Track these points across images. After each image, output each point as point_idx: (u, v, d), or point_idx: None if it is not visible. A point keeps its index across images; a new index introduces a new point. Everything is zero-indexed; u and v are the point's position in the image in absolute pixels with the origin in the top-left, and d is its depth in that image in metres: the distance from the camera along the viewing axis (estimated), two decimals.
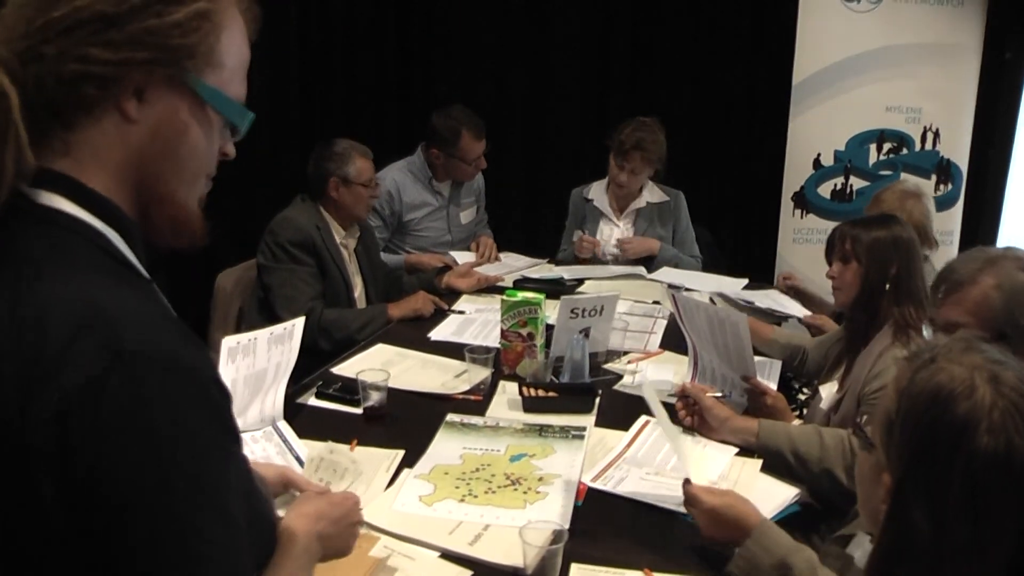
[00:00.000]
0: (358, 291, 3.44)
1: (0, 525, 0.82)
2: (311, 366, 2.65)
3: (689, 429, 2.31)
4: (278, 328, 2.41)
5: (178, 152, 0.99)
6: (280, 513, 1.40)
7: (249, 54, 1.06)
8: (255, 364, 2.29)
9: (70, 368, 0.80)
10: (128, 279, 0.93)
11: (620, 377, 2.73)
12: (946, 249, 4.15)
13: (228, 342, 2.27)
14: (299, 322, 2.44)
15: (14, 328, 0.83)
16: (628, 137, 3.92)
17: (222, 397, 0.90)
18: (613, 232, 4.17)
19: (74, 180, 0.93)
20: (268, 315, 3.11)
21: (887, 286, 2.32)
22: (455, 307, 3.42)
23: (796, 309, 3.50)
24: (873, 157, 4.75)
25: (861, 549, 1.67)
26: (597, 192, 4.20)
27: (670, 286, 3.63)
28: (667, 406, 2.35)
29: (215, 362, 0.90)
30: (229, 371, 2.21)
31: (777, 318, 3.44)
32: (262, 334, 2.35)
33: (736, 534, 1.70)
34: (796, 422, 2.42)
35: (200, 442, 0.85)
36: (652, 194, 4.15)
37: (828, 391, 2.51)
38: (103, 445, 0.80)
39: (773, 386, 2.64)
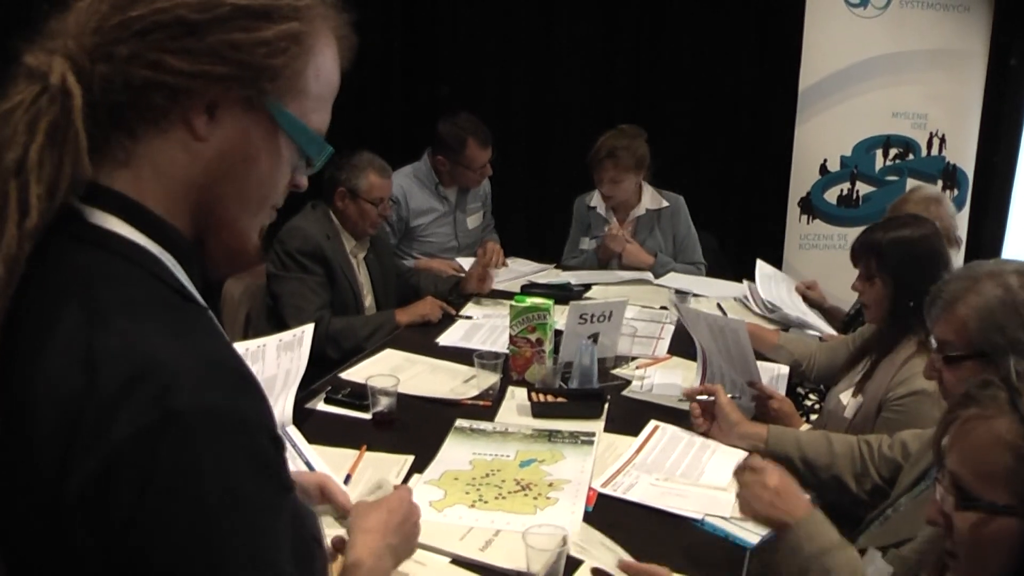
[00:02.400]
0: (368, 300, 3.44)
1: (35, 561, 0.78)
2: (320, 376, 2.66)
3: (700, 435, 2.32)
4: (287, 335, 2.41)
5: (245, 177, 0.92)
6: (327, 526, 1.41)
7: (338, 83, 0.99)
8: (264, 371, 2.29)
9: (120, 421, 0.74)
10: (183, 310, 0.86)
11: (629, 383, 2.74)
12: (957, 255, 4.14)
13: (237, 348, 2.27)
14: (308, 328, 2.45)
15: (60, 367, 0.77)
16: (601, 147, 3.92)
17: (275, 449, 0.84)
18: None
19: (132, 200, 0.86)
20: (276, 323, 3.11)
21: (912, 304, 2.30)
22: (463, 312, 3.42)
23: (818, 322, 3.46)
24: (879, 163, 4.75)
25: (873, 566, 1.67)
26: (599, 199, 4.19)
27: (677, 291, 3.63)
28: (678, 412, 2.37)
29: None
30: None
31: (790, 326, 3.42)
32: (271, 341, 2.36)
33: (781, 515, 1.71)
34: (804, 426, 2.42)
35: (251, 505, 0.80)
36: (652, 200, 4.13)
37: (841, 396, 2.51)
38: (150, 505, 0.74)
39: (781, 391, 2.64)
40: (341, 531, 1.56)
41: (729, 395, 2.40)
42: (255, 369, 2.26)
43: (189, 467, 0.76)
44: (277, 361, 2.34)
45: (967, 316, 1.71)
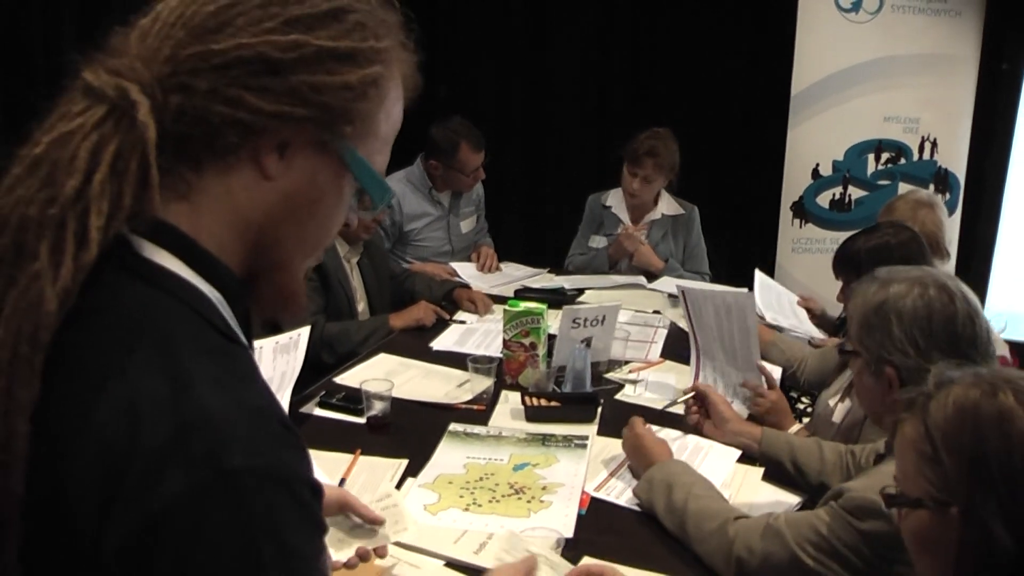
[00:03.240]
0: (362, 305, 3.44)
1: None
2: (315, 380, 2.67)
3: (694, 431, 2.34)
4: (283, 337, 2.42)
5: (308, 219, 0.88)
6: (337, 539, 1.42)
7: (400, 123, 0.95)
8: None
9: (170, 477, 0.71)
10: (229, 354, 0.81)
11: (622, 386, 2.75)
12: (943, 263, 4.17)
13: None
14: (304, 331, 2.45)
15: (105, 410, 0.73)
16: (641, 144, 3.94)
17: (314, 499, 0.80)
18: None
19: (184, 236, 0.82)
20: (271, 328, 3.11)
21: None
22: (456, 317, 3.43)
23: (812, 331, 3.47)
24: (871, 167, 4.77)
25: None
26: (615, 200, 4.20)
27: (671, 295, 3.64)
28: (671, 415, 2.38)
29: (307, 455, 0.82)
30: None
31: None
32: (267, 343, 2.36)
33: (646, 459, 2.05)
34: (795, 427, 2.44)
35: (298, 558, 0.77)
36: (668, 206, 4.16)
37: (830, 401, 2.52)
38: (199, 563, 0.71)
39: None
40: (354, 542, 1.62)
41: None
42: None
43: (241, 525, 0.73)
44: (273, 364, 2.35)
45: (853, 315, 1.79)
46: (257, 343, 2.32)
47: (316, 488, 0.81)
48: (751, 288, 3.71)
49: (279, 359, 2.35)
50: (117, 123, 0.78)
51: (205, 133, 0.80)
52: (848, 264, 2.55)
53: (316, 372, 2.70)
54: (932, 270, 1.87)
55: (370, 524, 1.67)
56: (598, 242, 4.22)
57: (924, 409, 1.21)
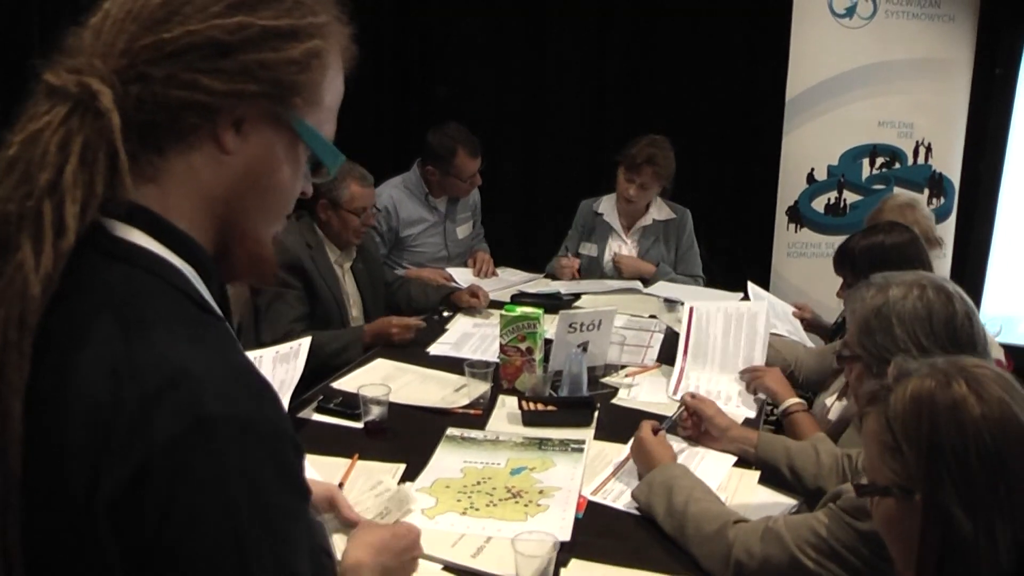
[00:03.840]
0: (356, 310, 3.43)
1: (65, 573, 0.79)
2: (309, 386, 2.66)
3: (690, 440, 2.34)
4: (284, 347, 2.44)
5: (268, 189, 0.95)
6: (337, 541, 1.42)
7: (343, 93, 1.02)
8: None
9: (153, 428, 0.76)
10: (204, 322, 0.87)
11: (618, 391, 2.75)
12: (939, 263, 4.19)
13: None
14: (305, 342, 2.47)
15: (91, 378, 0.78)
16: (640, 151, 3.95)
17: (296, 455, 0.86)
18: (621, 248, 4.19)
19: (155, 215, 0.87)
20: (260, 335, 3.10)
21: None
22: (450, 325, 3.38)
23: (805, 337, 3.48)
24: (866, 172, 4.79)
25: None
26: (607, 206, 4.21)
27: (666, 300, 3.65)
28: (666, 419, 2.39)
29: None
30: None
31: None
32: (268, 353, 2.39)
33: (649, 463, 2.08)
34: (793, 399, 2.47)
35: (277, 511, 0.82)
36: (659, 211, 4.17)
37: (827, 401, 2.53)
38: (181, 510, 0.76)
39: None
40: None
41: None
42: None
43: (221, 472, 0.77)
44: (273, 372, 2.36)
45: (852, 322, 1.83)
46: (258, 352, 2.36)
47: (299, 447, 0.86)
48: (744, 295, 3.74)
49: (279, 368, 2.37)
50: (82, 117, 0.83)
51: (166, 118, 0.86)
52: (845, 262, 2.57)
53: (311, 379, 2.70)
54: (927, 274, 1.89)
55: (344, 525, 1.67)
56: (589, 249, 4.23)
57: (885, 401, 1.26)
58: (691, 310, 2.75)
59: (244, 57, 0.88)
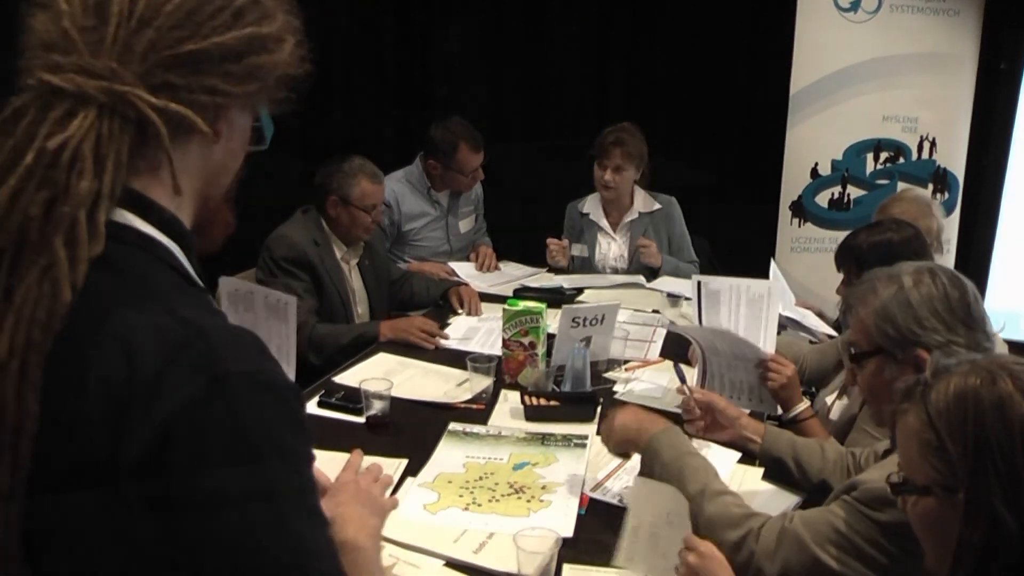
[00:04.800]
0: (361, 306, 3.43)
1: (87, 555, 0.82)
2: (311, 381, 2.67)
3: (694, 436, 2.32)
4: (272, 295, 2.46)
5: (235, 162, 1.04)
6: None
7: None
8: (256, 322, 2.34)
9: (170, 389, 0.80)
10: (195, 293, 0.94)
11: (619, 385, 2.75)
12: (942, 258, 4.18)
13: (226, 285, 2.32)
14: (291, 300, 2.47)
15: (106, 350, 0.81)
16: (607, 136, 3.98)
17: (298, 403, 0.92)
18: (611, 245, 4.17)
19: (145, 198, 0.92)
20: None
21: None
22: (449, 330, 3.27)
23: (812, 323, 3.45)
24: (870, 166, 4.77)
25: None
26: (592, 205, 4.20)
27: (669, 295, 3.64)
28: (669, 414, 2.37)
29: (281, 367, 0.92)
30: (232, 318, 2.24)
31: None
32: (258, 290, 2.46)
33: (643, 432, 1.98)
34: (802, 404, 2.43)
35: (293, 455, 0.87)
36: (644, 204, 4.15)
37: (828, 399, 2.52)
38: (208, 465, 0.80)
39: None
40: None
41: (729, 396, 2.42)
42: (248, 317, 2.38)
43: (240, 424, 0.82)
44: (267, 323, 2.42)
45: (866, 316, 1.80)
46: (248, 286, 2.42)
47: (298, 394, 0.92)
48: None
49: (272, 320, 2.41)
50: (111, 122, 0.87)
51: (180, 119, 0.91)
52: (850, 257, 2.55)
53: (309, 374, 2.70)
54: (928, 262, 1.88)
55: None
56: (578, 251, 4.21)
57: (925, 398, 1.24)
58: (699, 284, 2.73)
59: (248, 61, 0.95)
